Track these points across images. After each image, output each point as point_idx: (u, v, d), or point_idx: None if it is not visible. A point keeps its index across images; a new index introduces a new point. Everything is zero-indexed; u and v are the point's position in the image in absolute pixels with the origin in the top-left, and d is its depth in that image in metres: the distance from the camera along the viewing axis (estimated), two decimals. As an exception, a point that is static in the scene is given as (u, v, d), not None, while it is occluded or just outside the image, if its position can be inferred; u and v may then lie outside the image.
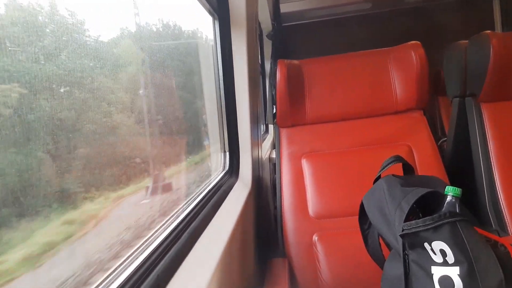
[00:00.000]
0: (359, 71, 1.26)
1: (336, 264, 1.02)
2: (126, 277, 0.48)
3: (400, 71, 1.23)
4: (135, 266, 0.51)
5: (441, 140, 1.72)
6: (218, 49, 1.19)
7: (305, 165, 1.19)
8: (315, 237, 1.07)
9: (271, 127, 2.36)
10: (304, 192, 1.15)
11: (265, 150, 1.76)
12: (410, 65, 1.20)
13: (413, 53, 1.20)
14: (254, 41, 1.29)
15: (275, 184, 1.25)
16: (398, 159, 0.82)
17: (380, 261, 0.82)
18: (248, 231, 1.09)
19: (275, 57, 2.23)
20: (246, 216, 1.05)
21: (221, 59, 1.19)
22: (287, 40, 2.91)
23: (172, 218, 0.73)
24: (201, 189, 0.98)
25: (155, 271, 0.53)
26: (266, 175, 1.51)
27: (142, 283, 0.49)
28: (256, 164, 1.32)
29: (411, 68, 1.20)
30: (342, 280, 1.01)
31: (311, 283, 1.04)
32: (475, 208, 1.20)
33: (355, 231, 0.85)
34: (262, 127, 2.66)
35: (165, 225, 0.69)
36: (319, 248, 1.05)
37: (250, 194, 1.14)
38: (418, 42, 1.23)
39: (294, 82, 1.25)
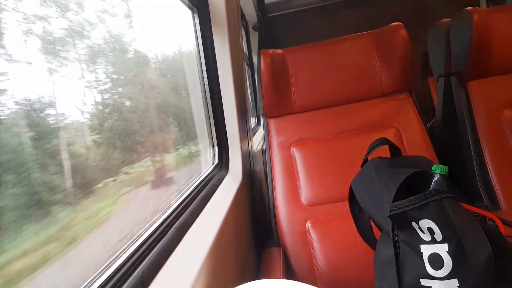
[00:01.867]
0: (343, 56, 1.24)
1: (330, 250, 1.03)
2: (108, 276, 0.48)
3: (383, 53, 1.22)
4: (117, 264, 0.51)
5: (432, 121, 1.71)
6: (199, 43, 1.17)
7: (295, 154, 1.18)
8: (308, 224, 1.07)
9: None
10: (295, 181, 1.14)
11: (258, 142, 1.76)
12: (393, 47, 1.19)
13: (395, 35, 1.19)
14: (237, 33, 1.27)
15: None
16: (384, 141, 0.82)
17: (372, 243, 0.82)
18: (242, 223, 1.09)
19: (261, 49, 2.21)
20: (238, 208, 1.04)
21: (203, 53, 1.18)
22: (274, 31, 2.87)
23: (158, 214, 0.73)
24: (189, 184, 0.97)
25: (139, 268, 0.52)
26: (260, 167, 1.51)
27: (125, 281, 0.49)
28: (247, 157, 1.32)
29: (394, 50, 1.19)
30: (336, 264, 1.01)
31: (306, 270, 1.05)
32: (466, 185, 1.20)
33: (347, 216, 0.85)
34: (254, 120, 2.65)
35: (150, 222, 0.68)
36: (312, 235, 1.05)
37: (241, 186, 1.13)
38: (400, 23, 1.22)
39: (278, 71, 1.23)
